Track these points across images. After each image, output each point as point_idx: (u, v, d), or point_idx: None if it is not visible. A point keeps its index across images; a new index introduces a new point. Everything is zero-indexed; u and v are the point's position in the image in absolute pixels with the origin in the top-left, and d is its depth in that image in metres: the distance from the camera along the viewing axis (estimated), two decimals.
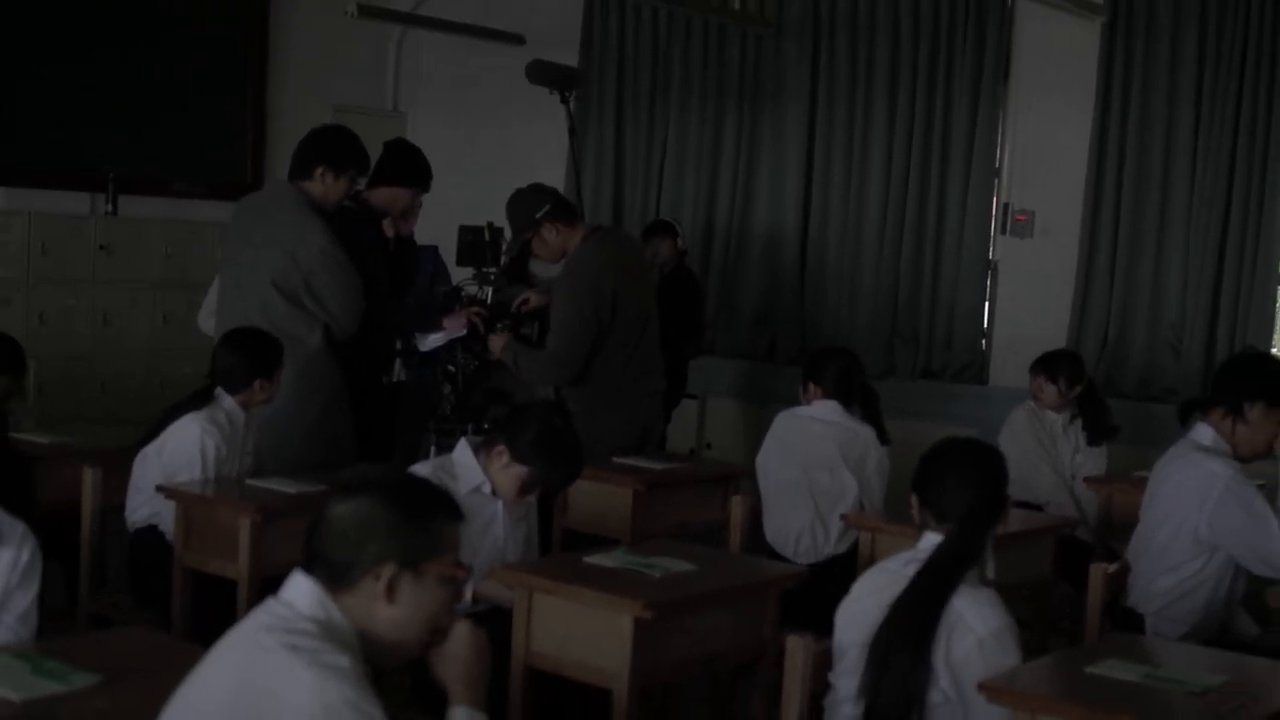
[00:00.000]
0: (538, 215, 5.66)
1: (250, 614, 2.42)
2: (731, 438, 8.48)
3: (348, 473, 2.50)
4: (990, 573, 3.45)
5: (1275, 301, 7.19)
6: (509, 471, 4.06)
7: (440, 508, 2.51)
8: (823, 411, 5.35)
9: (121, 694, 2.70)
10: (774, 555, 5.25)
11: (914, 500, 3.49)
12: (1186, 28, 7.23)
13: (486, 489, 4.10)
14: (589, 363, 5.65)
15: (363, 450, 5.39)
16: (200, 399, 4.89)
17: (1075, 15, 7.30)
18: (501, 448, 4.06)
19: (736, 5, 8.15)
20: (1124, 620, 4.32)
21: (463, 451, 4.18)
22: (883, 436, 5.38)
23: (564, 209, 5.79)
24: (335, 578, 2.38)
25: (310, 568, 2.40)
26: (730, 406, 8.54)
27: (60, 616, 5.08)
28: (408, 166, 5.81)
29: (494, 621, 3.93)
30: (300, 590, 2.39)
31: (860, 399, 5.39)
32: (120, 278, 8.20)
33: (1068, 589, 5.57)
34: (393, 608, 2.40)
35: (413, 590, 2.41)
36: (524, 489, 4.09)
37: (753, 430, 8.39)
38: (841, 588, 4.61)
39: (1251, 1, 7.04)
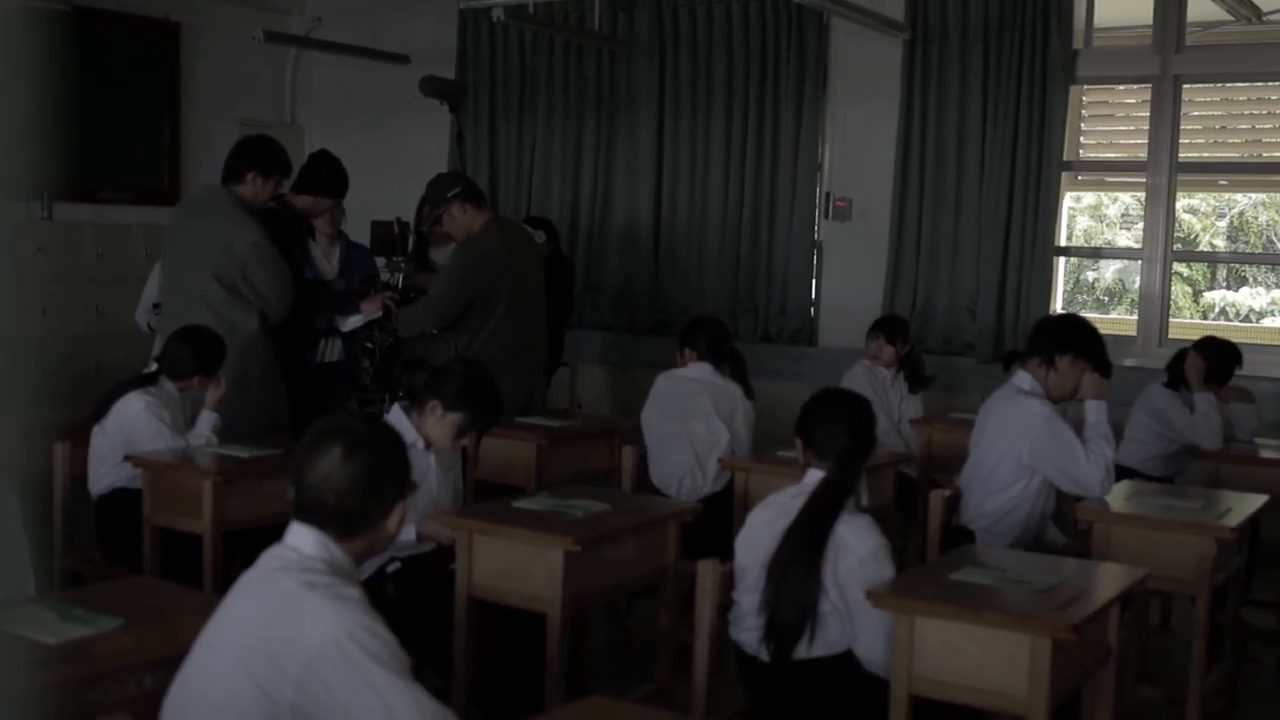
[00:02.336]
0: (449, 194, 5.67)
1: (260, 560, 2.38)
2: (599, 398, 8.51)
3: (316, 429, 2.43)
4: (864, 500, 3.53)
5: (1051, 270, 7.39)
6: (444, 421, 4.03)
7: (403, 443, 2.52)
8: (697, 372, 5.38)
9: (146, 634, 2.66)
10: (658, 494, 5.27)
11: (798, 442, 3.54)
12: (974, 42, 7.38)
13: (420, 445, 4.07)
14: (480, 329, 5.62)
15: (295, 420, 5.31)
16: (144, 380, 4.81)
17: (881, 33, 7.40)
18: (434, 402, 4.03)
19: (594, 27, 8.13)
20: (956, 537, 4.43)
21: (396, 415, 4.13)
22: (748, 392, 5.43)
23: (473, 193, 5.79)
24: (351, 526, 2.36)
25: (320, 522, 2.36)
26: (597, 372, 8.55)
27: (36, 574, 4.94)
28: (329, 178, 5.76)
29: (438, 557, 3.95)
30: (303, 537, 2.37)
31: (728, 361, 5.43)
32: (57, 275, 7.96)
33: (898, 516, 5.71)
34: (390, 531, 2.42)
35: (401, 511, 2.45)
36: (459, 433, 4.06)
37: (617, 391, 8.44)
38: (720, 521, 4.72)
39: (1024, 20, 7.22)
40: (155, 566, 4.48)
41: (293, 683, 2.18)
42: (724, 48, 8.07)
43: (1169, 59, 7.12)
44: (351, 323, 5.77)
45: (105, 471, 4.79)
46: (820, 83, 7.85)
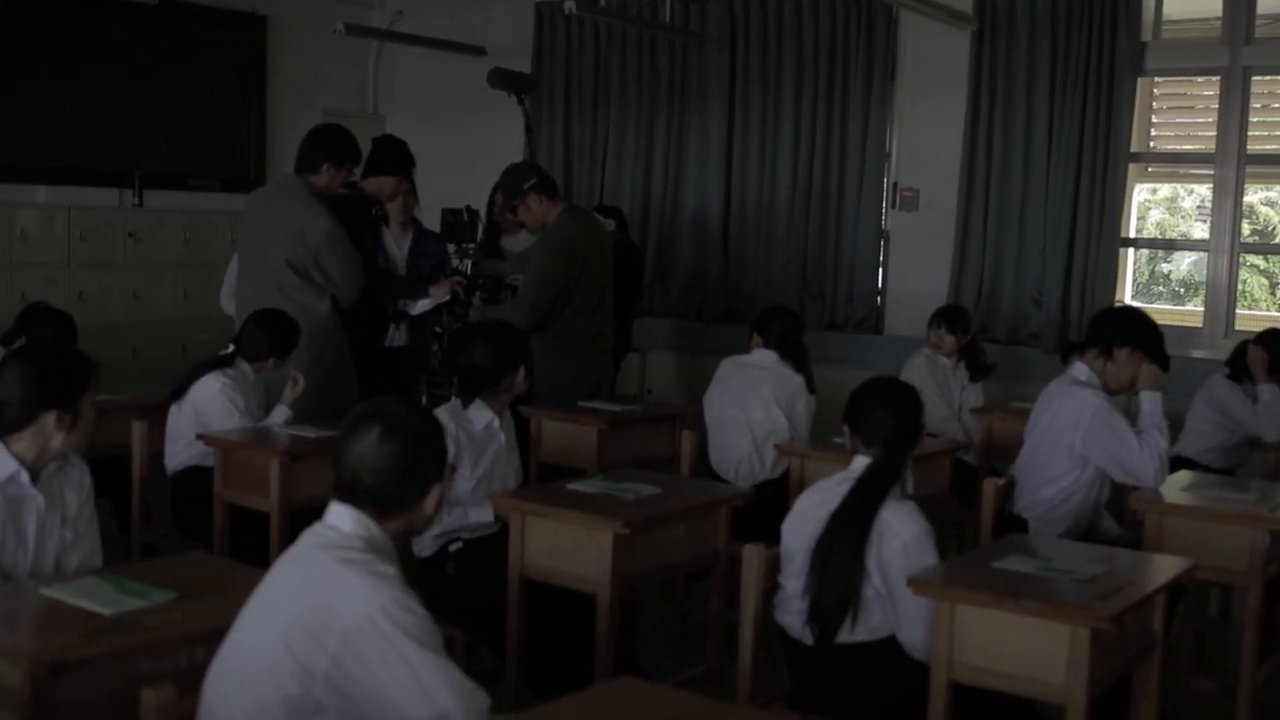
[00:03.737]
0: (526, 185, 5.68)
1: (300, 539, 2.40)
2: (668, 384, 8.48)
3: (356, 412, 2.45)
4: (910, 488, 3.49)
5: (1117, 261, 7.25)
6: (524, 380, 4.22)
7: (441, 428, 2.52)
8: (761, 359, 5.36)
9: (196, 607, 2.68)
10: (717, 479, 5.26)
11: (846, 429, 3.51)
12: (1041, 35, 7.25)
13: (495, 424, 4.12)
14: (558, 315, 5.64)
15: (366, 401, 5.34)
16: (222, 361, 4.87)
17: (950, 25, 7.30)
18: (520, 369, 4.19)
19: (665, 19, 8.10)
20: (1009, 525, 4.37)
21: (478, 406, 4.17)
22: (810, 386, 5.39)
23: (548, 183, 5.80)
24: (388, 507, 2.37)
25: (358, 502, 2.37)
26: (667, 358, 8.53)
27: (115, 546, 5.03)
28: (391, 156, 5.80)
29: (501, 538, 3.96)
30: (342, 516, 2.38)
31: (794, 354, 5.39)
32: (147, 260, 8.10)
33: (956, 503, 5.65)
34: (427, 512, 2.43)
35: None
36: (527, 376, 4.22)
37: (686, 378, 8.41)
38: (775, 507, 4.68)
39: (1092, 12, 7.09)
40: (225, 542, 4.54)
41: (328, 655, 2.19)
42: (793, 39, 8.01)
43: (1238, 50, 6.95)
44: (421, 306, 5.81)
45: (180, 449, 4.87)
46: (888, 74, 7.77)
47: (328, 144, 5.39)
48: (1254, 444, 5.60)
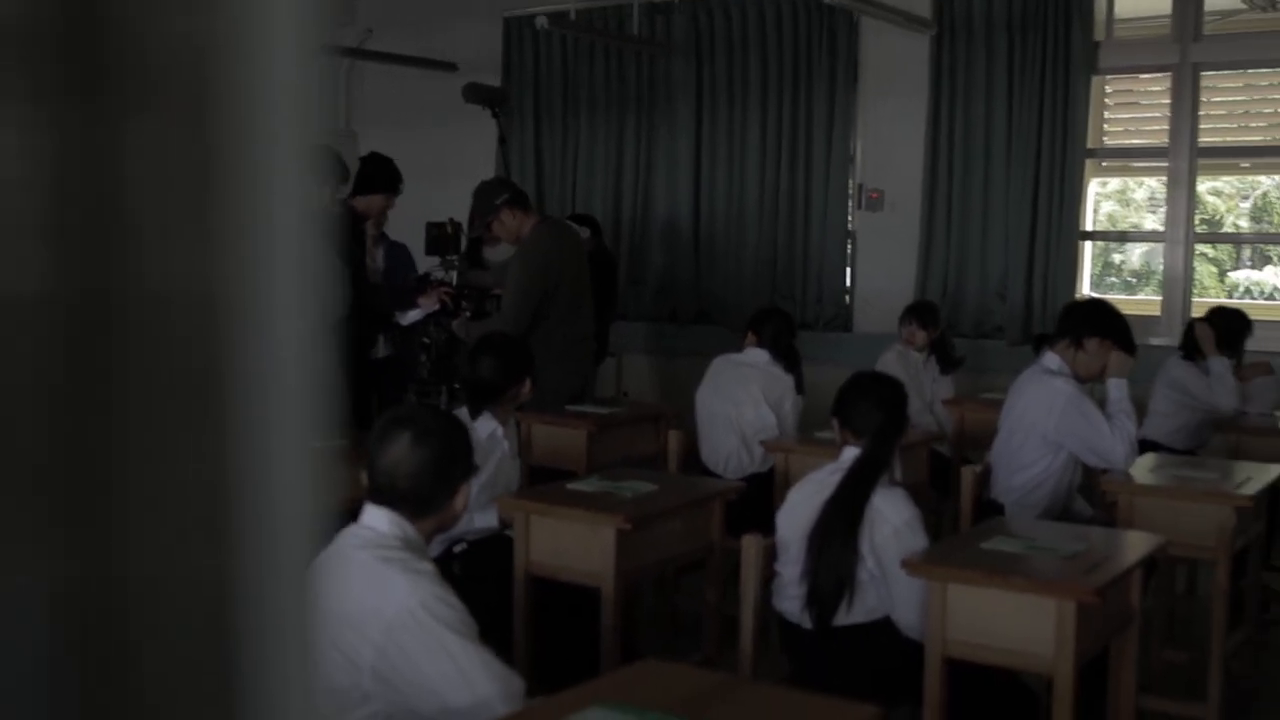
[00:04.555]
0: (498, 201, 5.78)
1: (338, 539, 2.51)
2: (644, 386, 8.61)
3: (386, 419, 2.57)
4: (898, 475, 3.64)
5: (1076, 254, 7.43)
6: (529, 390, 4.30)
7: (465, 429, 2.66)
8: (752, 357, 5.50)
9: None
10: (707, 473, 5.40)
11: (835, 422, 3.65)
12: (998, 36, 7.43)
13: (499, 433, 4.23)
14: (540, 324, 5.76)
15: (355, 414, 5.44)
16: None
17: (909, 30, 7.46)
18: (526, 380, 4.27)
19: (633, 31, 8.23)
20: (987, 511, 4.52)
21: (485, 418, 4.28)
22: (799, 387, 5.53)
23: (520, 198, 5.91)
24: (422, 507, 2.50)
25: (393, 504, 2.49)
26: (642, 361, 8.65)
27: None
28: (381, 174, 5.90)
29: (504, 539, 4.07)
30: (378, 518, 2.51)
31: (786, 356, 5.53)
32: None
33: (933, 492, 5.80)
34: (456, 510, 2.55)
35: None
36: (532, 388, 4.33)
37: (661, 380, 8.54)
38: (764, 499, 4.83)
39: (1047, 13, 7.26)
40: None
41: (373, 647, 2.31)
42: (758, 47, 8.15)
43: (1188, 47, 7.15)
44: (411, 317, 5.91)
45: None
46: (851, 79, 7.92)
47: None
48: (1215, 424, 5.78)
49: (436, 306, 5.86)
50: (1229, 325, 5.85)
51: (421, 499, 2.50)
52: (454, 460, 2.54)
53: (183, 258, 0.49)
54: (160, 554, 0.49)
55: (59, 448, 0.47)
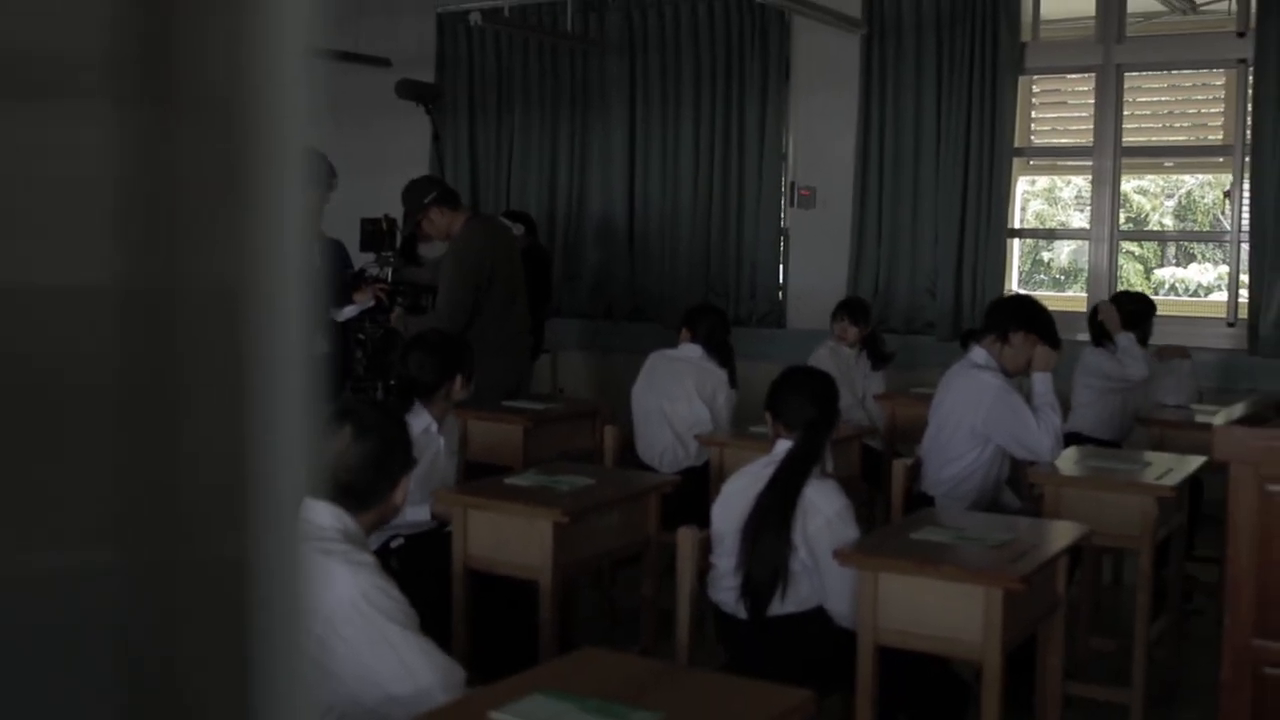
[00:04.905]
0: (426, 200, 5.80)
1: None
2: (579, 383, 8.64)
3: (326, 415, 2.59)
4: (830, 467, 3.71)
5: (1005, 251, 7.56)
6: (462, 390, 4.27)
7: (404, 423, 2.68)
8: (685, 352, 5.55)
9: None
10: (644, 468, 5.44)
11: (768, 416, 3.71)
12: (927, 37, 7.54)
13: (434, 428, 4.23)
14: (474, 321, 5.77)
15: None
16: None
17: (840, 29, 7.54)
18: (458, 377, 4.24)
19: (566, 28, 8.26)
20: (917, 503, 4.60)
21: (417, 409, 4.29)
22: (733, 381, 5.59)
23: (448, 195, 5.92)
24: (363, 500, 2.52)
25: (333, 497, 2.52)
26: (577, 357, 8.68)
27: None
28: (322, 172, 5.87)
29: (439, 534, 4.10)
30: (318, 511, 2.52)
31: (719, 351, 5.58)
32: None
33: (865, 485, 5.89)
34: (396, 502, 2.58)
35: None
36: (465, 385, 4.27)
37: (596, 376, 8.58)
38: (699, 492, 4.88)
39: (974, 14, 7.38)
40: None
41: (314, 639, 2.33)
42: (691, 45, 8.21)
43: (1111, 49, 7.30)
44: (346, 313, 5.91)
45: None
46: (783, 77, 8.00)
47: None
48: (1137, 415, 5.91)
49: (371, 303, 5.87)
50: (1133, 307, 6.00)
51: (362, 492, 2.52)
52: (394, 454, 2.57)
53: (215, 253, 0.52)
54: (199, 532, 0.53)
55: (124, 427, 0.50)
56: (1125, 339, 5.84)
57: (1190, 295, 11.64)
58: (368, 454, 2.52)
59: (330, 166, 5.59)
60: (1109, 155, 7.37)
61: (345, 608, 2.34)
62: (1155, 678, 4.48)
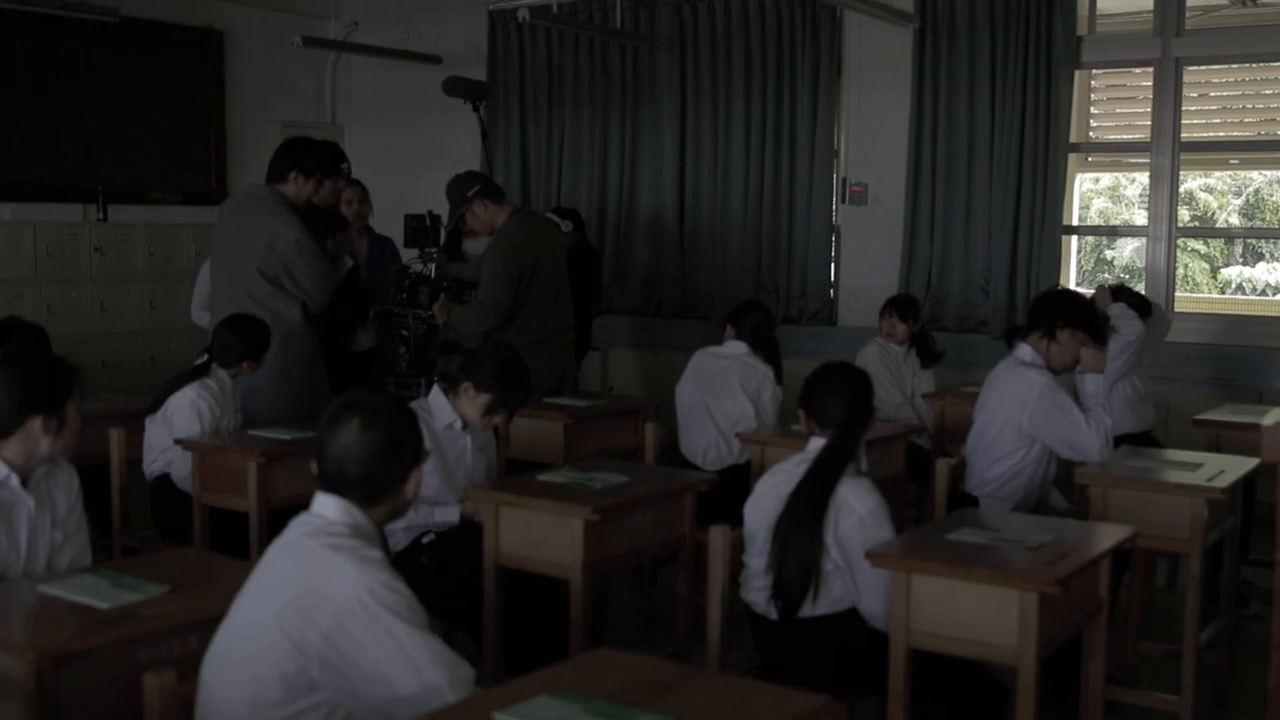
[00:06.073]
0: (469, 193, 5.78)
1: (289, 527, 2.50)
2: (629, 380, 8.61)
3: (334, 406, 2.56)
4: (863, 466, 3.62)
5: (1060, 248, 7.42)
6: (475, 402, 4.15)
7: (414, 414, 2.64)
8: (730, 349, 5.49)
9: (189, 598, 2.77)
10: (687, 465, 5.38)
11: (801, 413, 3.63)
12: (980, 31, 7.42)
13: (457, 425, 4.19)
14: (515, 316, 5.74)
15: None
16: (197, 372, 4.95)
17: (892, 24, 7.46)
18: (467, 384, 4.15)
19: (616, 24, 8.21)
20: (961, 503, 4.50)
21: (436, 396, 4.26)
22: (779, 377, 5.52)
23: (492, 189, 5.90)
24: (373, 493, 2.48)
25: (343, 491, 2.47)
26: (627, 355, 8.65)
27: (96, 550, 5.09)
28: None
29: (470, 530, 4.06)
30: (328, 505, 2.48)
31: (765, 347, 5.51)
32: (113, 274, 8.15)
33: (913, 485, 5.79)
34: (407, 495, 2.53)
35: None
36: (488, 412, 4.17)
37: (646, 373, 8.54)
38: (742, 491, 4.81)
39: (1029, 9, 7.26)
40: (205, 543, 4.62)
41: (321, 635, 2.29)
42: (741, 41, 8.14)
43: (1169, 42, 7.14)
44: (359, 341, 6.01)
45: (157, 456, 4.95)
46: (835, 72, 7.91)
47: (295, 155, 5.47)
48: (1154, 400, 5.80)
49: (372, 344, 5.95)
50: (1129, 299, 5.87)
51: (371, 485, 2.48)
52: (403, 445, 2.52)
53: None
54: None
55: None
56: (1117, 307, 5.71)
57: (1258, 294, 11.41)
58: (375, 446, 2.47)
59: (339, 152, 5.57)
60: (1167, 151, 7.22)
61: (351, 603, 2.30)
62: (1206, 684, 4.36)
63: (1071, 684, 3.57)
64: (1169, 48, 7.15)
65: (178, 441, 4.71)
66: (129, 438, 4.99)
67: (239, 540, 4.46)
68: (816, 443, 3.53)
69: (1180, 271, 10.08)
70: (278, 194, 5.40)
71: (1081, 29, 7.33)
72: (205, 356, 5.02)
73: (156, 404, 4.95)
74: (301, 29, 8.75)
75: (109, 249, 8.12)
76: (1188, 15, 7.16)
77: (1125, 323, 5.66)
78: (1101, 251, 11.48)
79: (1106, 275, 11.52)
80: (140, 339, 8.19)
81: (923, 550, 3.26)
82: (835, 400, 3.53)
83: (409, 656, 2.28)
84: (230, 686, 2.36)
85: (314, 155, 5.46)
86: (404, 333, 6.02)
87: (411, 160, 9.05)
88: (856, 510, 3.35)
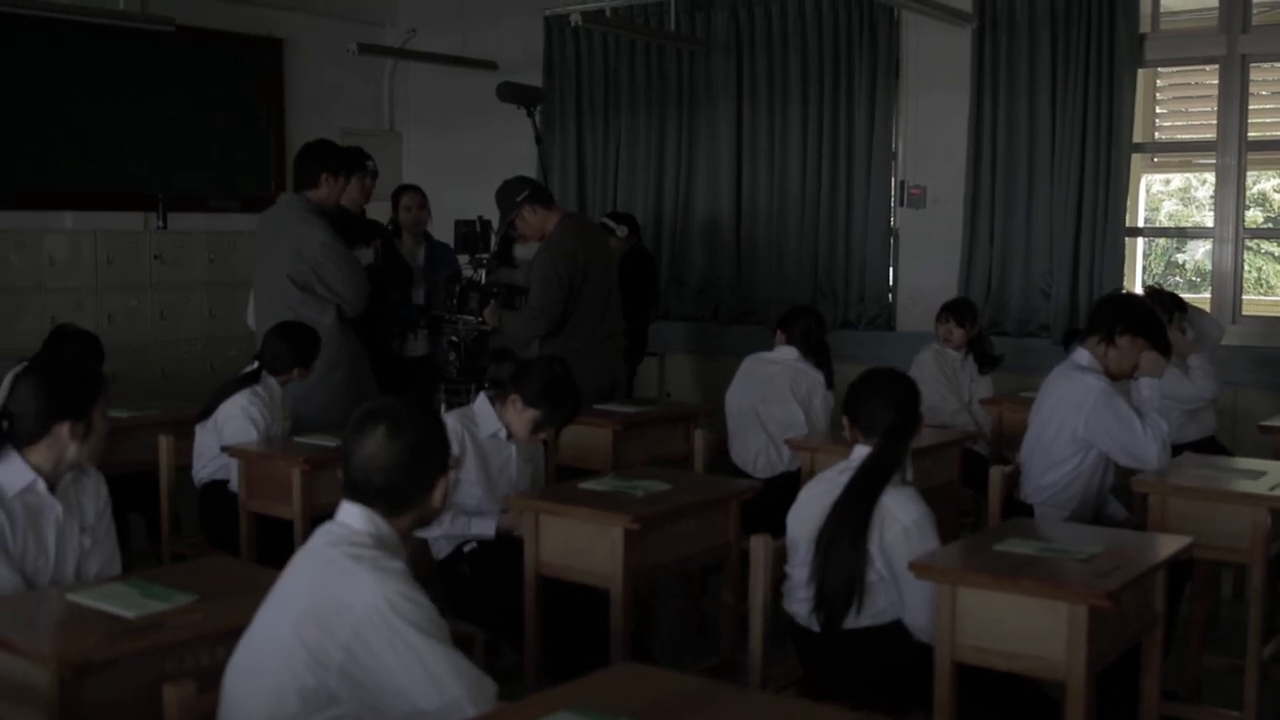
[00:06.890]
0: (519, 199, 5.76)
1: (313, 536, 2.46)
2: (686, 386, 8.53)
3: (360, 414, 2.51)
4: (909, 475, 3.53)
5: (1123, 251, 7.26)
6: (522, 416, 4.11)
7: (442, 423, 2.59)
8: (780, 354, 5.43)
9: (216, 608, 2.75)
10: (738, 472, 5.31)
11: (845, 420, 3.55)
12: (1040, 30, 7.27)
13: (502, 434, 4.15)
14: (566, 321, 5.70)
15: None
16: (248, 380, 4.95)
17: (951, 24, 7.33)
18: (515, 396, 4.10)
19: (671, 28, 8.16)
20: (1016, 511, 4.40)
21: (482, 403, 4.22)
22: (829, 382, 5.44)
23: (541, 194, 5.87)
24: (398, 503, 2.43)
25: (368, 500, 2.43)
26: (684, 361, 8.58)
27: (146, 557, 5.13)
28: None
29: (511, 539, 4.01)
30: (352, 514, 2.44)
31: (816, 352, 5.44)
32: (172, 282, 8.20)
33: (970, 493, 5.67)
34: (434, 505, 2.49)
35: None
36: (536, 428, 4.13)
37: (703, 379, 8.46)
38: (793, 499, 4.73)
39: (1090, 7, 7.10)
40: (251, 549, 4.61)
41: (340, 647, 2.25)
42: (798, 43, 8.05)
43: (1235, 39, 6.95)
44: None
45: (206, 463, 4.97)
46: (892, 74, 7.80)
47: (321, 155, 5.48)
48: (1259, 426, 5.61)
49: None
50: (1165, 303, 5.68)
51: (396, 494, 2.43)
52: (429, 454, 2.47)
53: None
54: None
55: None
56: (1198, 359, 5.54)
57: None
58: (401, 455, 2.42)
59: (363, 151, 5.58)
60: (1233, 151, 7.03)
61: (370, 614, 2.25)
62: (1270, 699, 4.21)
63: (1131, 698, 3.45)
64: (1234, 44, 6.97)
65: (224, 449, 4.72)
66: (179, 444, 5.01)
67: (286, 547, 4.44)
68: (861, 451, 3.45)
69: (1254, 275, 9.84)
70: (305, 200, 5.44)
71: (1144, 26, 7.16)
72: (255, 364, 5.03)
73: (207, 411, 4.97)
74: (359, 36, 8.77)
75: (169, 257, 8.17)
76: (1254, 11, 6.97)
77: (1204, 382, 5.50)
78: (1172, 255, 11.24)
79: (1177, 278, 11.28)
80: (200, 346, 8.23)
81: (968, 561, 3.17)
82: (880, 407, 3.45)
83: (428, 669, 2.23)
84: (250, 698, 2.33)
85: (339, 154, 5.51)
86: (454, 339, 6.00)
87: (469, 166, 9.04)
88: (901, 520, 3.26)
